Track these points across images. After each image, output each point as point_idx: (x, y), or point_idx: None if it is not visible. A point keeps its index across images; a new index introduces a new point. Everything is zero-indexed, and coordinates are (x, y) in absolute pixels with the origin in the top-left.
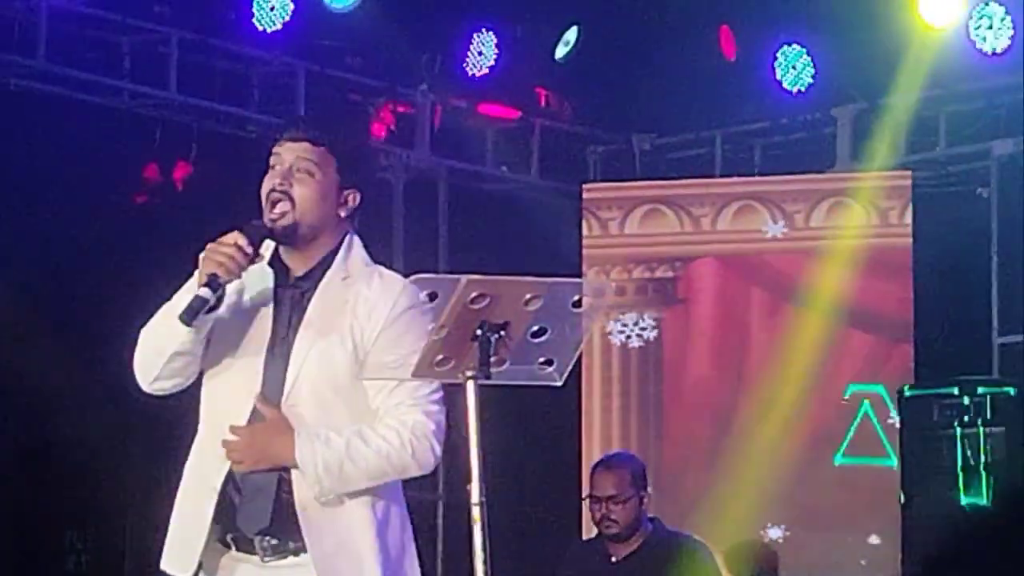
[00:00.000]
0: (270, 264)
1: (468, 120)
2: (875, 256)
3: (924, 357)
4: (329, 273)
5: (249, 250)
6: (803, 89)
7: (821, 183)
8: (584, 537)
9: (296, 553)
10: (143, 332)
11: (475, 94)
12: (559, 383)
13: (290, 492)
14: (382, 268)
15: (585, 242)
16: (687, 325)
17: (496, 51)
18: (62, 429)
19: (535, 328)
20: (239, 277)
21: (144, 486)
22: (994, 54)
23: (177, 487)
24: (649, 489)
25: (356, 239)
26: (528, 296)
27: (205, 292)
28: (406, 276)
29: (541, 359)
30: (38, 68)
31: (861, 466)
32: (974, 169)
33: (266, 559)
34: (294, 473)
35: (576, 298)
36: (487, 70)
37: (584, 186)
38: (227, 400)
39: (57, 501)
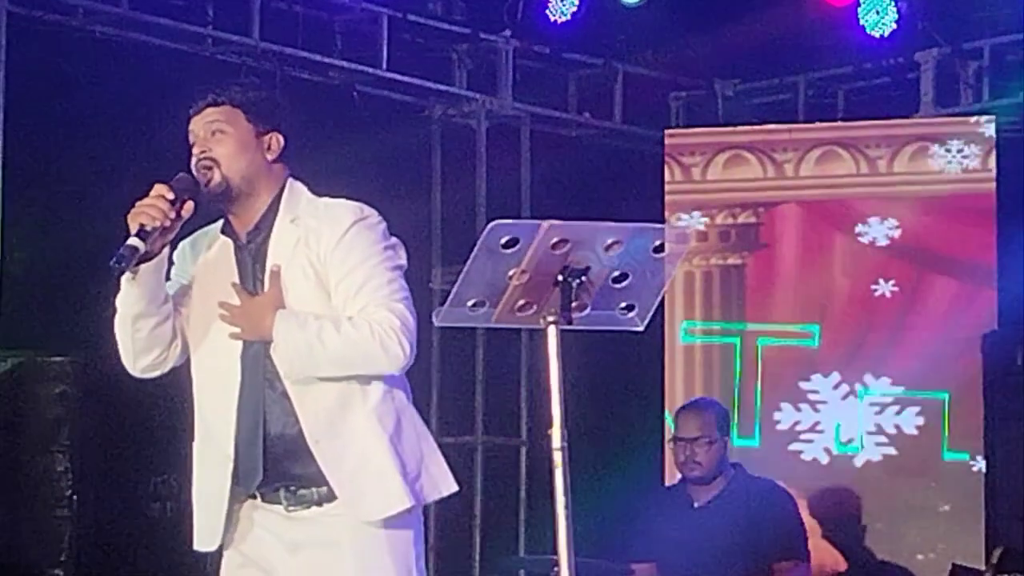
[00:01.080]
0: (223, 232)
1: (550, 66)
2: (958, 201)
3: (1007, 302)
4: (277, 220)
5: (171, 196)
6: (886, 34)
7: (904, 128)
8: (667, 484)
9: (320, 503)
10: (115, 325)
11: (558, 40)
12: (641, 328)
13: (296, 425)
14: (326, 198)
15: (667, 188)
16: (770, 270)
17: None
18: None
19: (616, 273)
20: (168, 225)
21: None
22: None
23: None
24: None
25: (296, 182)
26: (610, 241)
27: (134, 240)
28: (488, 222)
29: (622, 304)
30: (122, 15)
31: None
32: None
33: (290, 508)
34: (296, 405)
35: (658, 243)
36: (569, 16)
37: (666, 132)
38: (213, 366)
39: (142, 449)
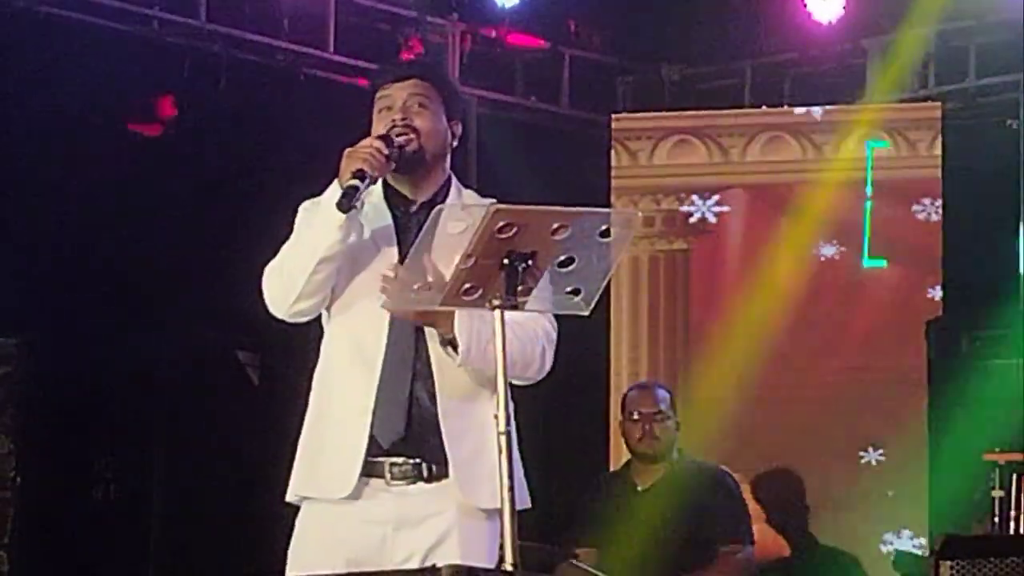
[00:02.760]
0: (386, 200)
1: (497, 49)
2: (905, 187)
3: (953, 290)
4: (449, 199)
5: (387, 151)
6: (833, 20)
7: (851, 114)
8: (611, 470)
9: (428, 480)
10: (276, 263)
11: (504, 24)
12: (586, 313)
13: (432, 400)
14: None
15: (614, 172)
16: (715, 256)
17: None
18: (90, 359)
19: (562, 258)
20: (381, 176)
21: (170, 417)
22: None
23: (202, 417)
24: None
25: (453, 176)
26: (556, 225)
27: (355, 182)
28: None
29: (568, 289)
30: None
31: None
32: (1004, 100)
33: (392, 482)
34: (436, 376)
35: (604, 228)
36: (516, 0)
37: (613, 116)
38: (360, 327)
39: (86, 431)
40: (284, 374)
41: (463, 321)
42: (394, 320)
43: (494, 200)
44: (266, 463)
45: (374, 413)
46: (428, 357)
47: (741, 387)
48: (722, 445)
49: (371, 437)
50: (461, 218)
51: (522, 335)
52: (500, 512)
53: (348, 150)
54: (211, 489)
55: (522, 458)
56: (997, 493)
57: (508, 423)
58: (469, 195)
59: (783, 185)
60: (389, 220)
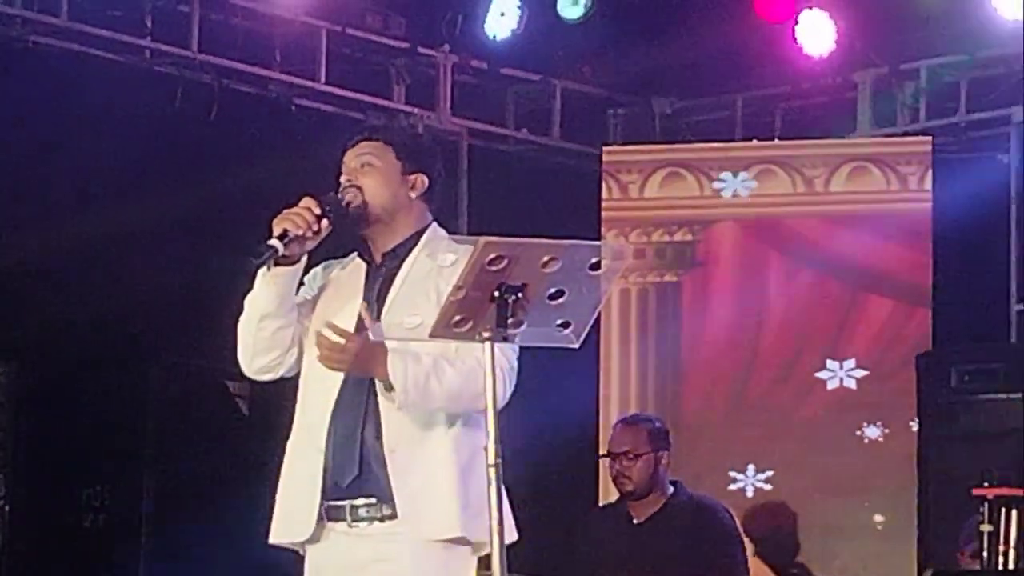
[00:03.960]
0: (359, 256)
1: (489, 82)
2: (894, 221)
3: (942, 323)
4: (415, 250)
5: (317, 211)
6: (824, 53)
7: (841, 148)
8: (601, 503)
9: (382, 519)
10: (239, 322)
11: (496, 56)
12: (576, 345)
13: (378, 438)
14: (465, 238)
15: (604, 205)
16: (705, 289)
17: (518, 12)
18: (79, 388)
19: (553, 290)
20: (309, 235)
21: (160, 446)
22: (1016, 20)
23: (192, 447)
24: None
25: (439, 228)
26: (546, 258)
27: (274, 241)
28: None
29: (559, 321)
30: (61, 26)
31: (880, 432)
32: (994, 135)
33: (353, 524)
34: (383, 415)
35: (594, 260)
36: (508, 32)
37: (604, 148)
38: (320, 369)
39: (74, 460)
40: (275, 405)
41: (396, 365)
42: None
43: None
44: (256, 495)
45: (330, 454)
46: (377, 397)
47: (732, 419)
48: (713, 476)
49: (330, 478)
50: (450, 250)
51: (465, 370)
52: (490, 544)
53: (286, 211)
54: (201, 520)
55: (508, 491)
56: (986, 528)
57: (498, 455)
58: (444, 240)
59: (773, 218)
60: (361, 274)
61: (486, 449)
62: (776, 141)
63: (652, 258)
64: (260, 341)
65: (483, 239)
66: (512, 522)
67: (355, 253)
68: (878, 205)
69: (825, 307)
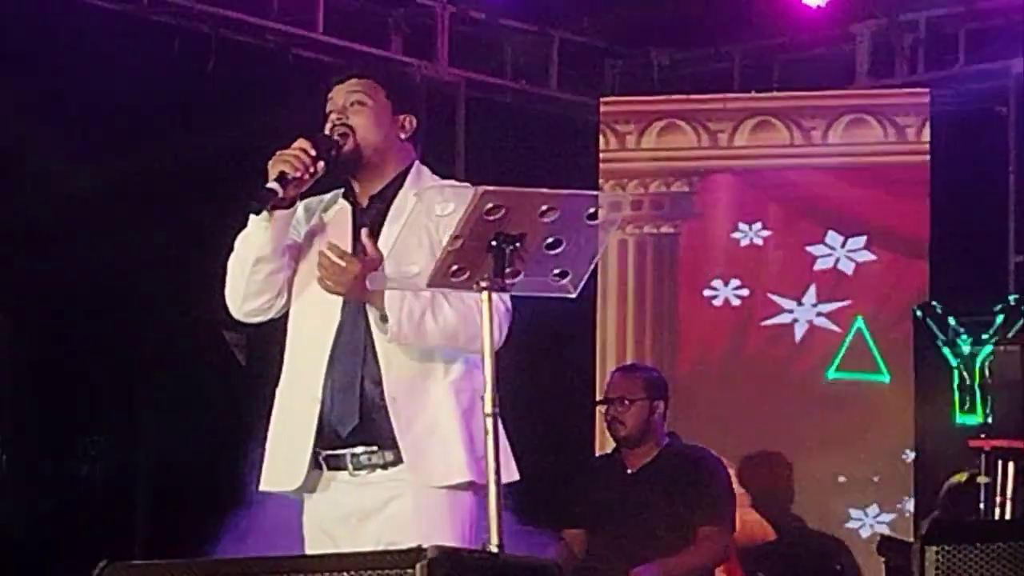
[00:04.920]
0: (344, 197)
1: (487, 32)
2: (892, 173)
3: (939, 275)
4: (401, 191)
5: (313, 152)
6: (822, 4)
7: (839, 99)
8: (598, 453)
9: (385, 467)
10: (229, 263)
11: (494, 6)
12: (573, 295)
13: (377, 384)
14: (452, 180)
15: (602, 156)
16: (703, 239)
17: None
18: (77, 339)
19: (550, 240)
20: (306, 178)
21: (157, 395)
22: None
23: (189, 397)
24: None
25: (423, 166)
26: (544, 208)
27: (273, 185)
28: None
29: (556, 271)
30: None
31: (860, 382)
32: (993, 87)
33: (355, 473)
34: (382, 361)
35: (592, 210)
36: None
37: (602, 99)
38: (311, 314)
39: (72, 409)
40: (271, 355)
41: (393, 296)
42: (345, 310)
43: (452, 181)
44: (252, 444)
45: (328, 402)
46: (375, 343)
47: (728, 370)
48: (708, 428)
49: (329, 427)
50: (447, 199)
51: (463, 309)
52: (486, 493)
53: (278, 152)
54: (197, 468)
55: (508, 436)
56: (983, 479)
57: (495, 404)
58: (429, 178)
59: (771, 170)
60: (348, 217)
61: (482, 398)
62: (774, 92)
63: (649, 209)
64: (253, 284)
65: (480, 188)
66: (513, 463)
67: (337, 192)
68: (876, 157)
69: (822, 259)
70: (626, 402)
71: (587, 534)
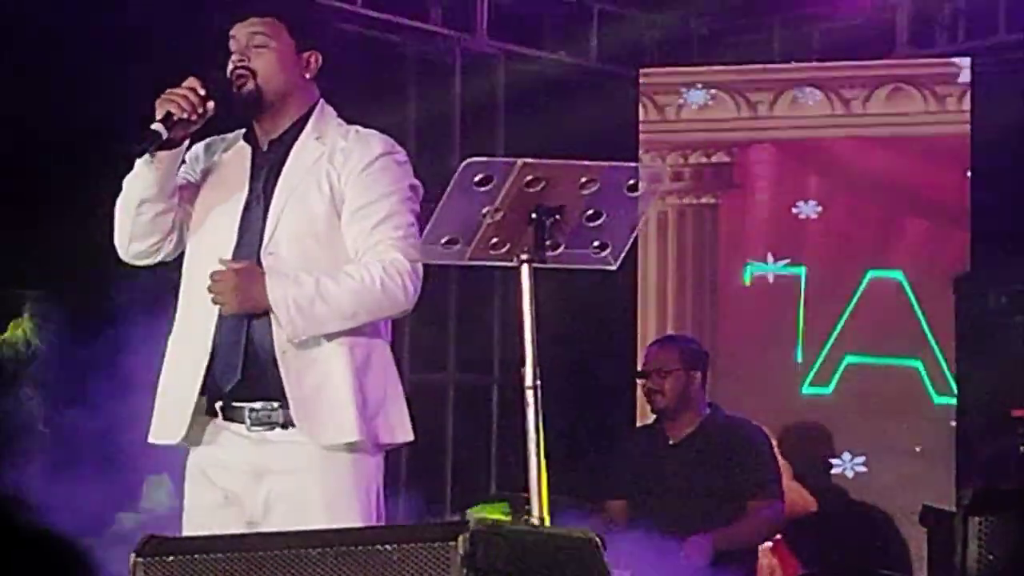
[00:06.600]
0: (244, 139)
1: (526, 4)
2: (933, 143)
3: (980, 246)
4: (303, 135)
5: (202, 92)
6: None
7: (879, 69)
8: (642, 423)
9: (284, 426)
10: (116, 204)
11: None
12: (614, 267)
13: (269, 336)
14: (357, 126)
15: (642, 127)
16: (743, 210)
17: None
18: None
19: (590, 212)
20: (194, 119)
21: None
22: None
23: None
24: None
25: (327, 105)
26: (583, 179)
27: (157, 126)
28: (462, 159)
29: (596, 243)
30: None
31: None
32: None
33: (252, 429)
34: (273, 320)
35: (632, 182)
36: None
37: (641, 71)
38: (203, 261)
39: None
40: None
41: (275, 292)
42: (239, 254)
43: (357, 127)
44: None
45: (214, 356)
46: None
47: (769, 340)
48: (748, 399)
49: (213, 381)
50: (340, 131)
51: (351, 284)
52: (526, 466)
53: (168, 90)
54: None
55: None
56: None
57: (536, 378)
58: (333, 119)
59: (811, 140)
60: (247, 159)
61: (522, 372)
62: (814, 63)
63: (689, 180)
64: (139, 226)
65: (521, 160)
66: (408, 423)
67: (239, 133)
68: (916, 127)
69: (862, 229)
70: (663, 373)
71: (629, 504)
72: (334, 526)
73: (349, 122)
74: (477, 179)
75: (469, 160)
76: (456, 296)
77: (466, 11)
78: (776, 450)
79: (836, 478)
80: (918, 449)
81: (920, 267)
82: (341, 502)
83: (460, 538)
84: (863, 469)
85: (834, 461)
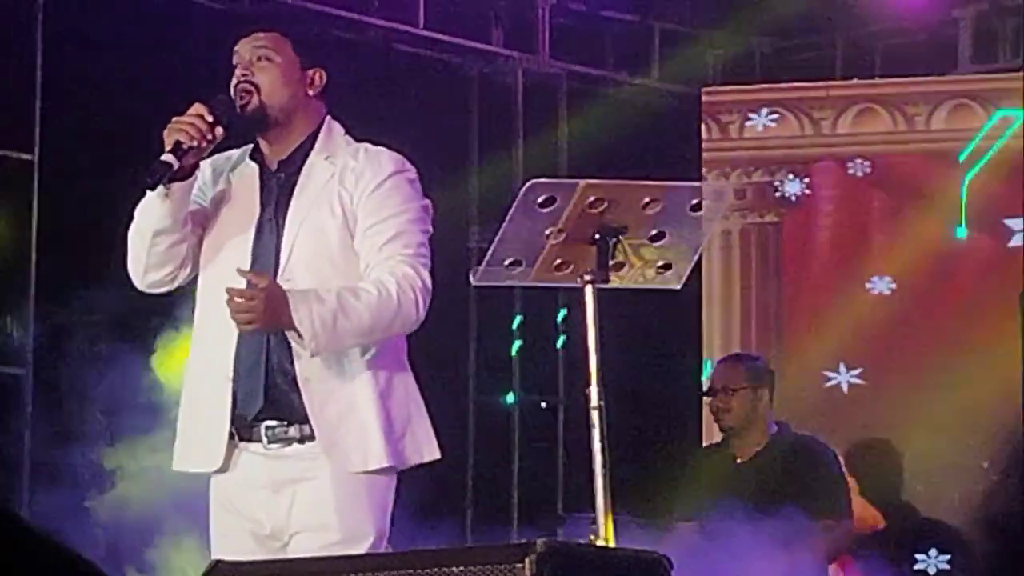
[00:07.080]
0: (252, 158)
1: (588, 24)
2: (996, 158)
3: None
4: (312, 154)
5: (210, 118)
6: None
7: (942, 85)
8: (709, 442)
9: (301, 441)
10: (128, 234)
11: None
12: (678, 287)
13: (290, 363)
14: (367, 144)
15: (704, 146)
16: (807, 228)
17: None
18: None
19: (654, 232)
20: (203, 145)
21: None
22: None
23: None
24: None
25: (335, 122)
26: (646, 200)
27: (168, 157)
28: (525, 181)
29: (660, 263)
30: None
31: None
32: None
33: (269, 446)
34: (294, 345)
35: (695, 202)
36: None
37: (704, 89)
38: (219, 287)
39: None
40: None
41: (300, 311)
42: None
43: (366, 145)
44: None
45: (236, 382)
46: None
47: (835, 359)
48: (816, 418)
49: (236, 407)
50: (349, 151)
51: (370, 301)
52: (592, 487)
53: (174, 118)
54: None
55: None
56: None
57: (600, 397)
58: (341, 136)
59: (874, 157)
60: (256, 180)
61: (588, 392)
62: (876, 79)
63: (752, 198)
64: (154, 256)
65: (584, 181)
66: (434, 440)
67: (246, 149)
68: (980, 142)
69: (927, 246)
70: (730, 391)
71: (700, 525)
72: (348, 532)
73: (412, 145)
74: (540, 200)
75: (532, 181)
76: (520, 318)
77: (528, 32)
78: (843, 467)
79: (905, 493)
80: (985, 465)
81: (984, 283)
82: (355, 520)
83: (527, 560)
84: (930, 486)
85: (904, 476)
